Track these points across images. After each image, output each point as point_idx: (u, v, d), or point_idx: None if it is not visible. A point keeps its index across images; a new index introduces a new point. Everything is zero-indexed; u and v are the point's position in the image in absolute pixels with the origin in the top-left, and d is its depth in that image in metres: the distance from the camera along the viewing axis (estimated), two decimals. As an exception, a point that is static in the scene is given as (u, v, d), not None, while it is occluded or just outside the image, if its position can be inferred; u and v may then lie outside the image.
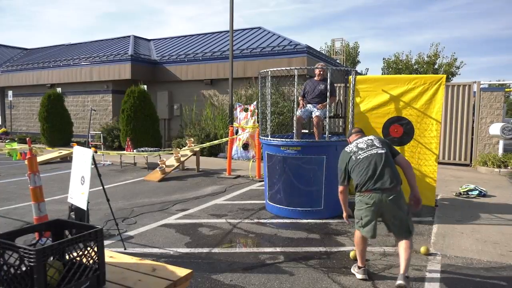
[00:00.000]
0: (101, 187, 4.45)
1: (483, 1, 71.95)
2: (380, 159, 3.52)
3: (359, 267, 3.69)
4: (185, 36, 19.89)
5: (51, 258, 1.73)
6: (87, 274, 1.76)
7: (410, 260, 3.45)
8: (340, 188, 3.79)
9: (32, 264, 1.58)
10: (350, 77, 6.20)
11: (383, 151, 3.58)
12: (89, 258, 1.80)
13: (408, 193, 3.67)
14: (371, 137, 3.81)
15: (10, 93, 19.80)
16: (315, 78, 6.45)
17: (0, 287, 1.66)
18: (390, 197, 3.40)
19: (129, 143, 11.73)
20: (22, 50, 25.01)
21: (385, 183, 3.41)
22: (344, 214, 3.93)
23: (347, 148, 3.82)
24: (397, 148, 6.08)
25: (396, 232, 3.53)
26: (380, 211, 3.46)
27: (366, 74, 31.75)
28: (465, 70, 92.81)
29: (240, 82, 13.69)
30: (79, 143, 12.59)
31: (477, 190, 7.15)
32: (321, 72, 6.36)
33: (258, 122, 8.66)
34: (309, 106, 6.37)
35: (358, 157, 3.62)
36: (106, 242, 4.39)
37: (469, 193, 7.12)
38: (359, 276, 3.65)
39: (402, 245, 3.46)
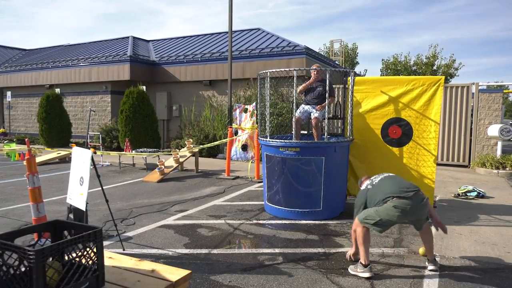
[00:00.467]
0: (100, 188, 4.45)
1: (481, 3, 72.22)
2: (395, 176, 3.99)
3: (365, 265, 3.67)
4: (184, 37, 19.89)
5: (50, 259, 1.73)
6: (86, 274, 1.76)
7: (433, 245, 3.96)
8: (356, 220, 3.84)
9: (31, 264, 1.58)
10: (349, 78, 6.21)
11: (393, 174, 4.06)
12: (88, 259, 1.80)
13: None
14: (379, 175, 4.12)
15: (8, 93, 19.78)
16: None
17: (-1, 287, 1.66)
18: (423, 201, 3.70)
19: (128, 144, 11.73)
20: (21, 50, 24.99)
21: (411, 188, 3.70)
22: (352, 251, 4.03)
23: (362, 187, 4.09)
24: (396, 149, 6.12)
25: (419, 227, 3.87)
26: (409, 214, 3.66)
27: (365, 75, 31.81)
28: (464, 71, 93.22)
29: (239, 83, 13.70)
30: (77, 144, 12.58)
31: (475, 191, 7.16)
32: (315, 73, 6.33)
33: (257, 123, 8.66)
34: (308, 107, 6.37)
35: (374, 182, 3.93)
36: (105, 243, 4.38)
37: (468, 194, 7.13)
38: (366, 274, 3.64)
39: (425, 236, 3.91)
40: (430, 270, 3.80)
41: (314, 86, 6.37)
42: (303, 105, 6.46)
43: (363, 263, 3.68)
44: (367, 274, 3.64)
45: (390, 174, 4.07)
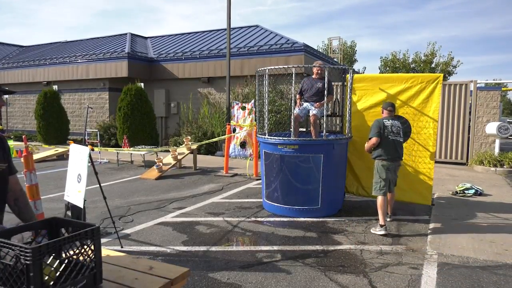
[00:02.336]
0: (98, 185, 4.43)
1: (479, 0, 72.28)
2: (399, 145, 5.19)
3: (381, 226, 4.85)
4: (182, 34, 19.82)
5: (47, 256, 1.72)
6: (83, 272, 1.75)
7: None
8: (374, 140, 5.09)
9: (28, 262, 1.56)
10: (348, 75, 6.20)
11: (401, 140, 5.23)
12: (86, 257, 1.78)
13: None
14: (399, 125, 5.24)
15: (6, 90, 19.67)
16: (313, 77, 6.43)
17: (-4, 285, 1.65)
18: (395, 164, 5.21)
19: (126, 141, 11.70)
20: (18, 47, 24.85)
21: (396, 156, 5.15)
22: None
23: (384, 121, 5.17)
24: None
25: (391, 186, 5.29)
26: (390, 171, 5.12)
27: (364, 72, 31.80)
28: (462, 69, 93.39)
29: (237, 80, 13.67)
30: (75, 141, 12.53)
31: (473, 189, 7.17)
32: (319, 71, 6.33)
33: (255, 120, 8.65)
34: (306, 104, 6.35)
35: (388, 136, 5.09)
36: (102, 240, 4.37)
37: (466, 192, 7.14)
38: (382, 232, 4.80)
39: (392, 196, 5.38)
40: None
41: (313, 83, 6.35)
42: (301, 102, 6.44)
43: (380, 224, 4.87)
44: (382, 232, 4.80)
45: (400, 140, 5.19)
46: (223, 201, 6.68)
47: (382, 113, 5.41)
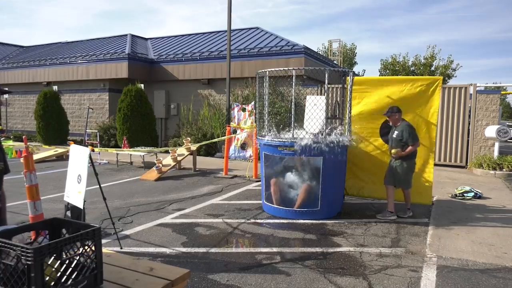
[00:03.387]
0: (97, 186, 4.44)
1: (479, 4, 72.49)
2: None
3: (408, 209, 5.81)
4: (183, 35, 19.84)
5: (49, 257, 1.72)
6: (84, 273, 1.76)
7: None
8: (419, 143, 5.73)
9: (29, 262, 1.57)
10: (348, 78, 6.21)
11: None
12: (87, 257, 1.79)
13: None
14: None
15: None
16: None
17: (-3, 285, 1.65)
18: None
19: (125, 142, 11.70)
20: (19, 47, 24.85)
21: None
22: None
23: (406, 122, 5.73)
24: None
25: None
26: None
27: (363, 75, 31.85)
28: (462, 72, 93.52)
29: (237, 82, 13.67)
30: (75, 142, 12.52)
31: (472, 192, 7.18)
32: None
33: (255, 122, 8.65)
34: None
35: None
36: (102, 241, 4.37)
37: (465, 195, 7.15)
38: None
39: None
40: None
41: None
42: None
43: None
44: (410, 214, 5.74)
45: None
46: (223, 202, 6.68)
47: (396, 117, 5.68)
